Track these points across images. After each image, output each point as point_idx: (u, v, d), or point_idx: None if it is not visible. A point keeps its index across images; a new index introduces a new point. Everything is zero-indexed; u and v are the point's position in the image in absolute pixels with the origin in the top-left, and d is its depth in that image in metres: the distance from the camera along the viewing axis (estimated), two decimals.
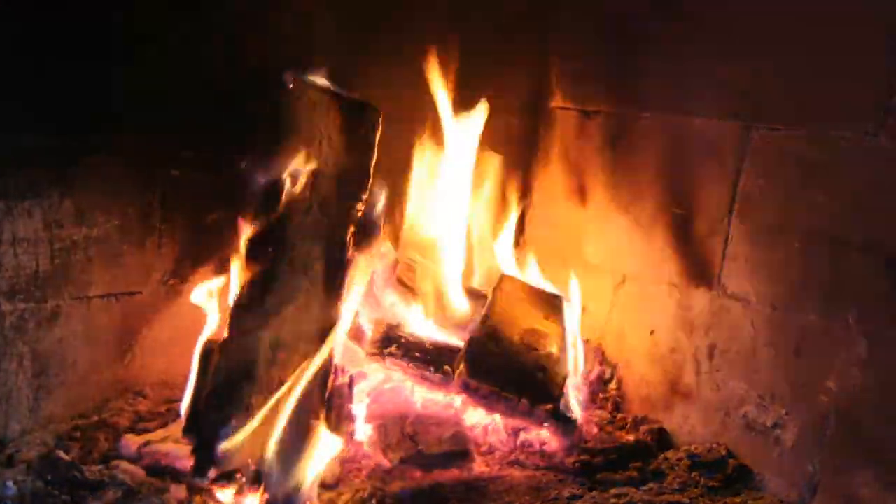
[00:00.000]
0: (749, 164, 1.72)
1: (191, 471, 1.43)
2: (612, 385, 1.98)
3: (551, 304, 1.86)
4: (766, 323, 1.70)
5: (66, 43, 1.52)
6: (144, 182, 1.70)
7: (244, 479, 1.43)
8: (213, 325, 1.59)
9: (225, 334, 1.49)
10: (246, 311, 1.49)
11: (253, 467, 1.43)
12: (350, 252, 1.56)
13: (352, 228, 1.57)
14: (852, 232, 1.56)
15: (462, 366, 1.69)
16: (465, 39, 1.88)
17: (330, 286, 1.54)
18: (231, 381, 1.45)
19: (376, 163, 1.56)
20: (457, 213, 1.95)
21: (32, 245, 1.55)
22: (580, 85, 2.06)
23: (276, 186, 1.56)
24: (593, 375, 1.96)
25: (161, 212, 1.73)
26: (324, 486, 1.52)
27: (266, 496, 1.43)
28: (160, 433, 1.61)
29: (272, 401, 1.45)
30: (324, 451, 1.49)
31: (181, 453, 1.49)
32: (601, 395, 1.95)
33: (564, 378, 1.73)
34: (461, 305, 1.87)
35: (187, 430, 1.46)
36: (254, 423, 1.43)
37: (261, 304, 1.49)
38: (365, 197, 1.56)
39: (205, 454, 1.42)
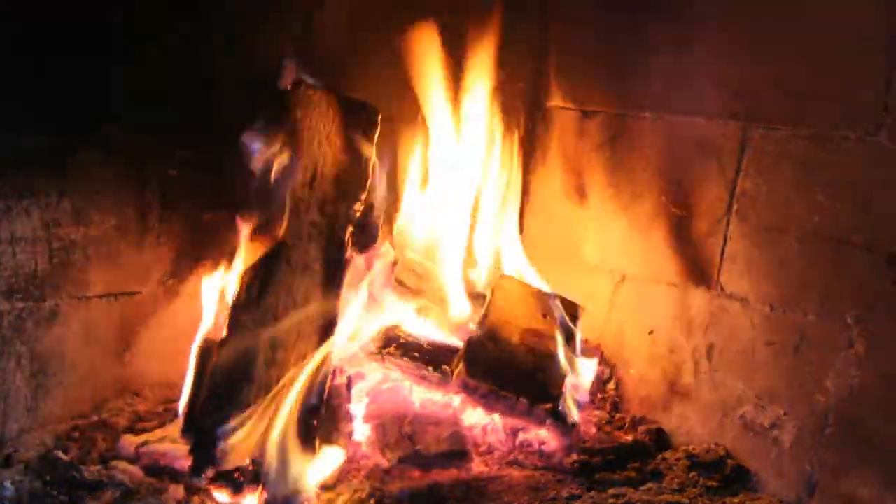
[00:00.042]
0: (748, 163, 1.72)
1: (189, 471, 1.43)
2: (611, 385, 1.98)
3: (550, 304, 1.86)
4: (764, 323, 1.70)
5: (66, 43, 1.52)
6: (143, 182, 1.70)
7: (242, 479, 1.43)
8: (211, 324, 1.59)
9: (223, 334, 1.49)
10: (244, 311, 1.49)
11: (251, 467, 1.43)
12: (349, 252, 1.57)
13: (350, 228, 1.57)
14: (851, 232, 1.56)
15: (461, 365, 1.69)
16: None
17: (329, 286, 1.54)
18: (229, 381, 1.45)
19: (375, 162, 1.57)
20: (456, 213, 1.95)
21: (31, 244, 1.55)
22: (579, 84, 2.06)
23: (275, 186, 1.56)
24: (591, 376, 1.95)
25: (160, 211, 1.73)
26: (322, 486, 1.52)
27: (264, 496, 1.43)
28: (158, 433, 1.61)
29: (270, 400, 1.45)
30: (324, 460, 1.50)
31: (179, 453, 1.49)
32: (599, 395, 1.95)
33: (563, 378, 1.73)
34: (460, 305, 1.87)
35: (185, 431, 1.46)
36: (252, 423, 1.43)
37: (259, 303, 1.50)
38: (364, 197, 1.57)
39: (203, 454, 1.42)
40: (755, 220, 1.72)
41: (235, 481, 1.43)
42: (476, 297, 1.89)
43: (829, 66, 1.58)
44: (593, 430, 1.81)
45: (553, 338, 1.78)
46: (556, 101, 2.11)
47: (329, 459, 1.52)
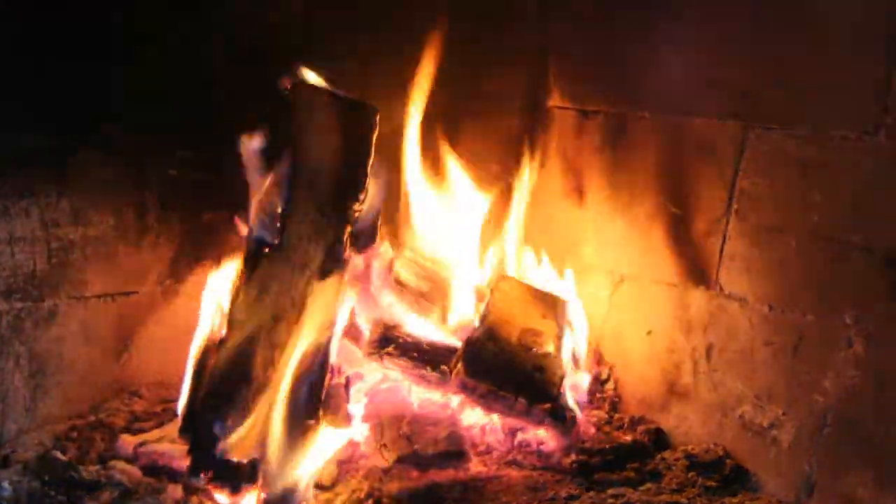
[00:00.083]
0: (747, 163, 1.72)
1: (187, 471, 1.43)
2: (610, 385, 1.98)
3: (549, 304, 1.86)
4: (763, 323, 1.70)
5: (66, 43, 1.52)
6: (143, 182, 1.70)
7: (241, 479, 1.43)
8: (210, 324, 1.59)
9: (222, 334, 1.49)
10: (243, 311, 1.49)
11: (250, 467, 1.43)
12: (347, 252, 1.56)
13: (349, 228, 1.57)
14: (850, 231, 1.55)
15: (460, 365, 1.69)
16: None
17: (327, 286, 1.54)
18: (227, 381, 1.45)
19: (374, 162, 1.57)
20: (455, 213, 1.95)
21: (29, 244, 1.55)
22: (579, 84, 2.06)
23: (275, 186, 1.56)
24: (590, 376, 1.95)
25: (158, 211, 1.73)
26: (320, 486, 1.52)
27: (263, 496, 1.43)
28: (157, 433, 1.61)
29: (268, 400, 1.44)
30: (324, 446, 1.49)
31: (178, 453, 1.49)
32: (598, 395, 1.95)
33: (562, 378, 1.73)
34: (459, 305, 1.87)
35: (184, 430, 1.46)
36: (250, 423, 1.43)
37: (258, 303, 1.49)
38: (363, 196, 1.57)
39: (201, 454, 1.42)
40: (754, 219, 1.72)
41: (234, 481, 1.43)
42: (475, 296, 1.89)
43: (828, 66, 1.58)
44: (592, 430, 1.81)
45: (552, 338, 1.78)
46: (555, 100, 2.12)
47: (330, 441, 1.51)
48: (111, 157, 1.64)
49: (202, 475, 1.42)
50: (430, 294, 1.84)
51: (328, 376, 1.52)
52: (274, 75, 1.57)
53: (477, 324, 1.77)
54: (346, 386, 1.64)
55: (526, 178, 2.05)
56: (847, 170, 1.56)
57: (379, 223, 1.63)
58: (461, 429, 1.70)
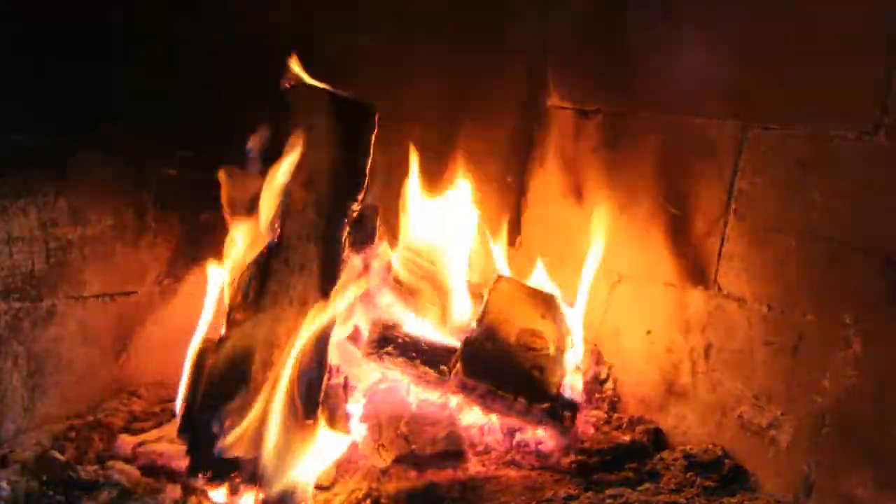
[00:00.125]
0: (746, 163, 1.72)
1: (186, 471, 1.43)
2: (608, 385, 1.98)
3: (548, 304, 1.86)
4: (762, 323, 1.69)
5: (66, 43, 1.52)
6: (141, 182, 1.70)
7: (239, 479, 1.43)
8: (208, 324, 1.59)
9: (220, 334, 1.49)
10: (241, 311, 1.49)
11: (248, 467, 1.43)
12: (346, 252, 1.56)
13: (348, 228, 1.57)
14: (849, 232, 1.55)
15: (458, 365, 1.69)
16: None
17: (326, 286, 1.54)
18: (226, 381, 1.45)
19: (373, 162, 1.57)
20: (454, 213, 1.95)
21: (28, 244, 1.55)
22: (578, 84, 2.06)
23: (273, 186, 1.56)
24: (589, 375, 1.95)
25: (157, 211, 1.73)
26: (319, 486, 1.52)
27: (261, 496, 1.43)
28: (155, 433, 1.61)
29: (267, 400, 1.44)
30: (324, 450, 1.49)
31: (176, 453, 1.49)
32: (597, 396, 1.95)
33: (561, 377, 1.73)
34: (458, 305, 1.87)
35: (182, 430, 1.46)
36: (248, 423, 1.43)
37: (256, 303, 1.50)
38: (361, 196, 1.57)
39: (199, 454, 1.42)
40: (753, 220, 1.72)
41: (232, 481, 1.43)
42: (474, 296, 1.89)
43: (827, 66, 1.58)
44: (591, 430, 1.81)
45: (551, 338, 1.78)
46: (554, 100, 2.12)
47: (329, 446, 1.50)
48: (111, 157, 1.64)
49: (200, 475, 1.42)
50: (429, 294, 1.85)
51: (326, 376, 1.52)
52: (274, 75, 1.57)
53: (475, 324, 1.77)
54: (345, 386, 1.64)
55: (525, 177, 2.05)
56: (846, 170, 1.56)
57: (378, 223, 1.63)
58: (460, 429, 1.70)
